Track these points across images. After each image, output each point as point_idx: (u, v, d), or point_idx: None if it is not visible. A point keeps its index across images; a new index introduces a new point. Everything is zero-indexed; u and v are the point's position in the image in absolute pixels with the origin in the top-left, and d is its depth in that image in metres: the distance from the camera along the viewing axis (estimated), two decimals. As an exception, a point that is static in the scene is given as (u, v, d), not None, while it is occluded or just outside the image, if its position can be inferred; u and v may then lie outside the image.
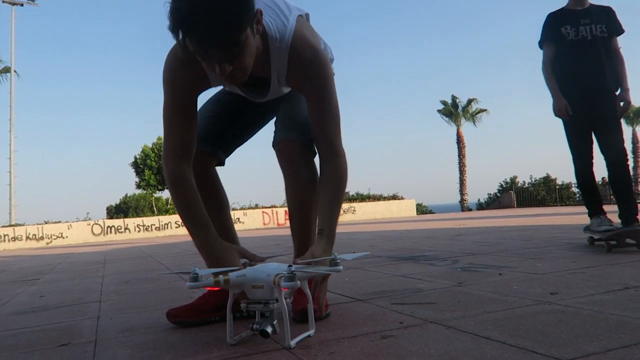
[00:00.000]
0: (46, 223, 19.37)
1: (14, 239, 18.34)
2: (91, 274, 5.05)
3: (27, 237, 18.52)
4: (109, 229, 19.64)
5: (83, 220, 19.74)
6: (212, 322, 2.12)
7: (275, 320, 1.68)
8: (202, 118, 2.21)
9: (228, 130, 2.26)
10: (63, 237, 18.99)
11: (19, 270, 6.49)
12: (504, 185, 29.68)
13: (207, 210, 2.06)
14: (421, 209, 28.37)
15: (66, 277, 4.88)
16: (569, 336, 1.51)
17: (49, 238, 18.76)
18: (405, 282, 2.84)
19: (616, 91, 3.95)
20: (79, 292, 3.61)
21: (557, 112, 3.99)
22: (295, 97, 2.17)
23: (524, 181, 29.27)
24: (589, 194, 4.09)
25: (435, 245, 5.38)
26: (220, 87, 2.20)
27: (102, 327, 2.26)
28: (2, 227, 18.99)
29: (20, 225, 19.23)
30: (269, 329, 1.62)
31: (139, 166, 24.23)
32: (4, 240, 18.21)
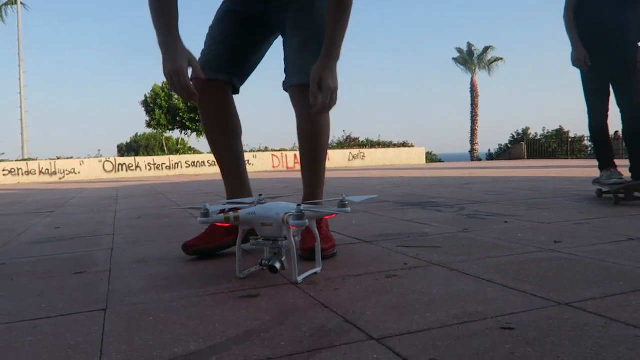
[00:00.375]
0: (58, 158, 19.63)
1: (28, 172, 18.67)
2: (104, 208, 5.17)
3: (40, 172, 18.84)
4: (120, 166, 19.88)
5: (95, 157, 19.95)
6: (226, 247, 2.20)
7: (284, 257, 1.73)
8: (212, 44, 2.18)
9: (239, 56, 2.23)
10: (75, 173, 19.28)
11: (34, 202, 6.65)
12: (516, 137, 29.35)
13: (222, 138, 2.19)
14: (430, 158, 28.27)
15: (80, 211, 5.00)
16: (569, 282, 1.55)
17: (61, 173, 19.07)
18: (411, 227, 2.88)
19: (638, 42, 3.81)
20: (93, 225, 3.71)
21: (576, 61, 3.88)
22: (299, 37, 2.12)
23: (536, 133, 28.91)
24: (602, 146, 4.05)
25: (442, 192, 5.41)
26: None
27: (116, 258, 2.34)
28: (16, 161, 19.30)
29: (33, 159, 19.50)
30: (278, 265, 1.67)
31: (149, 105, 24.14)
32: (18, 174, 18.55)
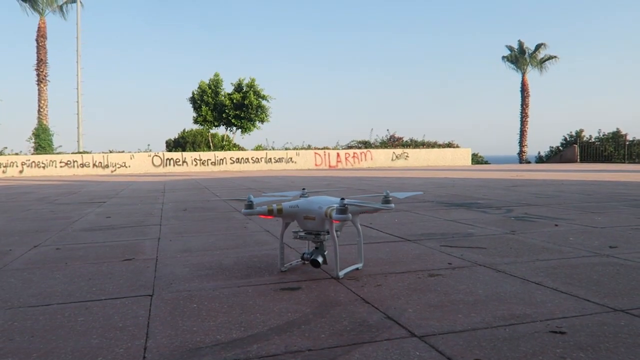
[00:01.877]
0: (111, 152, 20.46)
1: (82, 165, 19.57)
2: (152, 200, 5.33)
3: (94, 165, 19.71)
4: (168, 161, 20.51)
5: (144, 152, 20.65)
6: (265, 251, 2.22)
7: (326, 251, 1.72)
8: None
9: None
10: (126, 167, 20.05)
11: (87, 193, 6.95)
12: (568, 139, 28.17)
13: None
14: (476, 159, 27.59)
15: (129, 202, 5.19)
16: (625, 288, 1.46)
17: (113, 166, 19.88)
18: (455, 227, 2.82)
19: None
20: (141, 215, 3.84)
21: None
22: None
23: (590, 135, 27.63)
24: None
25: (488, 194, 5.26)
26: None
27: (162, 247, 2.41)
28: (72, 153, 20.26)
29: (87, 153, 20.41)
30: (320, 259, 1.67)
31: (196, 102, 24.74)
32: (73, 166, 19.48)
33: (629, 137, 24.61)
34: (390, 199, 1.82)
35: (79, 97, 26.13)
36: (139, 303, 1.44)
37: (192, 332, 1.19)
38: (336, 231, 1.70)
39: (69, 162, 19.69)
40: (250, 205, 1.73)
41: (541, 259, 1.90)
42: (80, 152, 21.06)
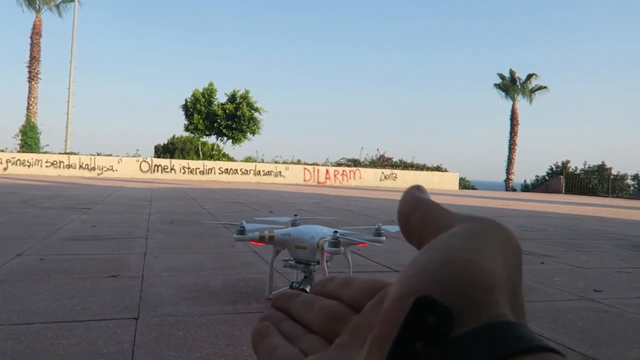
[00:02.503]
0: (98, 155, 20.26)
1: (68, 166, 19.33)
2: (138, 209, 5.28)
3: (80, 166, 19.48)
4: (156, 167, 20.35)
5: (132, 156, 20.49)
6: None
7: (315, 281, 1.72)
8: None
9: None
10: (113, 170, 19.85)
11: (73, 197, 6.87)
12: (554, 169, 28.60)
13: None
14: (464, 184, 27.84)
15: (115, 210, 5.13)
16: (609, 338, 1.48)
17: (100, 169, 19.67)
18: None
19: None
20: (127, 226, 3.79)
21: None
22: None
23: (576, 167, 28.09)
24: None
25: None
26: None
27: (149, 263, 2.38)
28: (59, 153, 20.03)
29: (74, 154, 20.19)
30: (308, 289, 1.66)
31: (188, 109, 24.70)
32: (59, 167, 19.24)
33: (614, 171, 25.05)
34: (382, 232, 1.83)
35: (70, 97, 25.94)
36: (124, 327, 1.42)
37: (177, 363, 1.17)
38: (327, 262, 1.70)
39: (55, 162, 19.45)
40: (242, 231, 1.73)
41: (527, 300, 1.91)
42: (67, 153, 20.82)
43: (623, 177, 24.43)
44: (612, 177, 24.51)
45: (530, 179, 30.23)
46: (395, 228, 1.92)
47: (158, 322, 1.48)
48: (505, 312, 0.16)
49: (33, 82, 23.85)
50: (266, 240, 1.73)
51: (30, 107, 23.69)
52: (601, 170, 26.33)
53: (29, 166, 18.93)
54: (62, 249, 2.69)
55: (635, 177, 24.19)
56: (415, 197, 0.22)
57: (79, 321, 1.46)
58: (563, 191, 25.42)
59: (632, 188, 23.72)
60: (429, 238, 0.20)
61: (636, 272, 2.66)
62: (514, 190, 30.69)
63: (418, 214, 0.21)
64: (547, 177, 28.61)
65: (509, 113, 34.67)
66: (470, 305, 0.16)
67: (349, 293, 0.25)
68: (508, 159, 34.60)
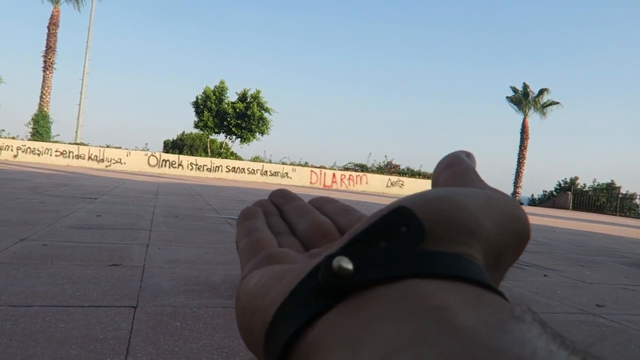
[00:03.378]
0: (107, 147, 20.39)
1: (78, 156, 19.47)
2: (144, 202, 5.30)
3: (89, 157, 19.61)
4: (164, 162, 20.45)
5: (141, 150, 20.61)
6: None
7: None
8: None
9: None
10: (121, 163, 19.97)
11: (80, 187, 6.91)
12: (563, 185, 28.43)
13: None
14: (470, 194, 27.66)
15: (121, 201, 5.15)
16: (611, 353, 1.46)
17: (108, 161, 19.79)
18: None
19: None
20: (132, 217, 3.81)
21: None
22: None
23: (584, 184, 27.91)
24: None
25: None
26: None
27: (151, 254, 2.38)
28: (69, 144, 20.18)
29: (84, 145, 20.33)
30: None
31: (199, 106, 24.82)
32: (69, 157, 19.38)
33: (622, 190, 24.86)
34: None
35: (83, 88, 26.16)
36: (122, 314, 1.42)
37: (173, 352, 1.17)
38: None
39: (64, 152, 19.59)
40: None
41: (528, 311, 1.89)
42: (77, 144, 20.98)
43: (632, 197, 24.22)
44: (620, 195, 24.32)
45: (537, 193, 30.09)
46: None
47: (156, 312, 1.48)
48: (478, 259, 0.16)
49: (48, 72, 24.07)
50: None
51: (44, 97, 23.90)
52: (610, 188, 26.14)
53: (38, 155, 19.08)
54: (65, 236, 2.70)
55: (644, 197, 23.97)
56: (455, 157, 0.22)
57: (78, 306, 1.46)
58: (570, 207, 25.25)
59: (640, 208, 23.49)
60: None
61: (641, 290, 2.63)
62: (521, 204, 30.41)
63: (451, 171, 0.21)
64: (554, 193, 28.45)
65: (520, 127, 34.54)
66: (446, 236, 0.16)
67: (346, 219, 0.25)
68: (516, 172, 34.44)
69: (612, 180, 26.86)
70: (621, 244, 5.64)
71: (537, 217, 11.03)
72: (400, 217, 0.16)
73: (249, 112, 24.05)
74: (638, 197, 23.75)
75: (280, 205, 0.28)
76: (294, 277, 0.17)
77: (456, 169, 0.21)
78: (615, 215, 22.05)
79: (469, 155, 0.23)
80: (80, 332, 1.25)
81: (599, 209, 24.03)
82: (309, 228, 0.24)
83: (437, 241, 0.16)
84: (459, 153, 0.23)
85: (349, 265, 0.15)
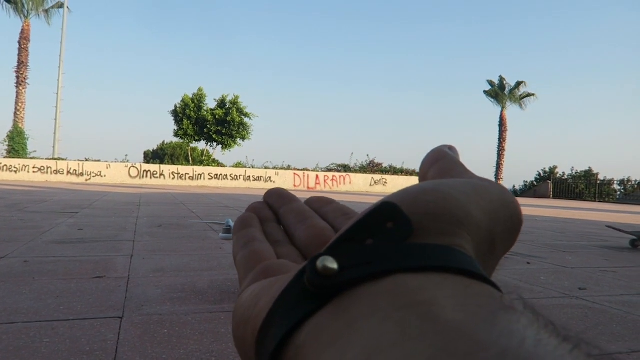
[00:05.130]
0: (86, 160, 20.10)
1: (56, 172, 19.14)
2: (126, 213, 5.24)
3: (68, 172, 19.29)
4: (145, 173, 20.23)
5: (121, 162, 20.36)
6: None
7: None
8: None
9: None
10: (101, 176, 19.70)
11: (60, 201, 6.80)
12: (542, 175, 28.92)
13: None
14: (453, 189, 27.94)
15: (103, 214, 5.09)
16: (593, 333, 1.49)
17: (88, 175, 19.50)
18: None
19: None
20: (115, 229, 3.76)
21: None
22: None
23: (563, 172, 28.43)
24: None
25: (464, 226, 5.33)
26: None
27: (135, 265, 2.36)
28: (47, 159, 19.83)
29: (62, 159, 20.00)
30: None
31: (178, 115, 24.63)
32: (47, 172, 19.04)
33: (600, 177, 25.36)
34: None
35: (58, 103, 25.74)
36: (108, 325, 1.41)
37: (161, 359, 1.17)
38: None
39: (42, 168, 19.25)
40: (228, 230, 1.72)
41: (513, 298, 1.93)
42: (55, 159, 20.64)
43: (610, 183, 24.74)
44: (598, 182, 24.81)
45: (518, 184, 30.51)
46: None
47: (143, 321, 1.47)
48: (467, 249, 0.16)
49: (21, 87, 23.64)
50: (253, 239, 1.73)
51: (18, 113, 23.46)
52: (588, 175, 26.66)
53: (15, 172, 18.72)
54: (47, 251, 2.66)
55: (621, 183, 24.50)
56: (440, 152, 0.22)
57: (62, 320, 1.45)
58: (551, 196, 25.67)
59: (618, 193, 24.02)
60: None
61: (621, 271, 2.69)
62: (503, 195, 30.78)
63: (438, 166, 0.21)
64: (535, 183, 28.90)
65: (498, 119, 35.00)
66: (434, 228, 0.16)
67: (344, 224, 0.23)
68: (497, 164, 34.88)
69: (589, 168, 27.38)
70: (600, 229, 5.76)
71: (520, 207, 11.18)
72: (385, 213, 0.16)
73: (228, 118, 23.95)
74: (615, 182, 24.26)
75: (276, 209, 0.27)
76: (283, 284, 0.16)
77: (442, 163, 0.21)
78: (595, 201, 22.48)
79: (452, 148, 0.23)
80: (65, 345, 1.24)
81: (579, 196, 24.49)
82: (308, 236, 0.24)
83: (425, 234, 0.16)
84: (442, 147, 0.23)
85: (333, 264, 0.15)
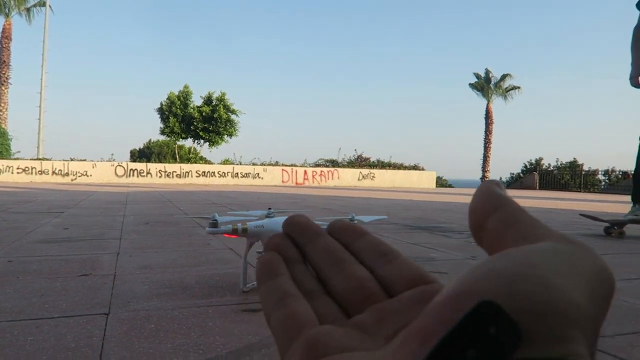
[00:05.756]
0: (72, 160, 19.85)
1: (41, 172, 18.88)
2: (113, 212, 5.19)
3: (53, 172, 19.04)
4: (131, 171, 20.04)
5: (107, 161, 20.14)
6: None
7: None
8: None
9: None
10: (87, 175, 19.47)
11: (45, 202, 6.71)
12: (528, 166, 29.22)
13: None
14: (441, 182, 28.18)
15: (89, 213, 5.03)
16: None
17: (73, 175, 19.26)
18: (418, 250, 2.86)
19: None
20: (101, 228, 3.73)
21: (632, 80, 3.80)
22: None
23: (549, 164, 28.75)
24: None
25: (452, 218, 5.37)
26: None
27: (122, 262, 2.34)
28: (31, 159, 19.54)
29: (47, 159, 19.73)
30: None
31: (164, 112, 24.41)
32: (31, 173, 18.77)
33: (585, 167, 25.67)
34: (356, 222, 1.83)
35: (42, 102, 25.38)
36: (94, 322, 1.40)
37: (147, 354, 1.16)
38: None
39: (26, 169, 18.98)
40: (214, 224, 1.71)
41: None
42: (40, 159, 20.36)
43: (594, 173, 25.07)
44: (583, 172, 25.11)
45: (505, 176, 30.78)
46: (368, 218, 1.93)
47: (129, 317, 1.45)
48: (584, 355, 0.13)
49: (3, 87, 23.27)
50: (239, 233, 1.72)
51: (1, 113, 23.11)
52: (573, 166, 26.98)
53: (-1, 173, 18.43)
54: (31, 251, 2.62)
55: (605, 173, 24.82)
56: (496, 195, 0.19)
57: (47, 318, 1.43)
58: (537, 187, 25.94)
59: (603, 183, 24.34)
60: (507, 244, 0.17)
61: (605, 257, 2.72)
62: (490, 187, 31.07)
63: (499, 215, 0.18)
64: (521, 174, 29.18)
65: (484, 112, 35.24)
66: (545, 332, 0.13)
67: (387, 269, 0.22)
68: (484, 157, 35.15)
69: (574, 159, 27.72)
70: (585, 219, 5.83)
71: (506, 199, 11.29)
72: (484, 313, 0.13)
73: (215, 115, 23.81)
74: (600, 172, 24.59)
75: (301, 245, 0.24)
76: None
77: (505, 212, 0.18)
78: (580, 191, 22.77)
79: (500, 186, 0.20)
80: (50, 343, 1.22)
81: (564, 187, 24.78)
82: (346, 289, 0.21)
83: (534, 342, 0.13)
84: (492, 187, 0.19)
85: None
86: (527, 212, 0.18)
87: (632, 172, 4.01)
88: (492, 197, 0.19)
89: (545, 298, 0.13)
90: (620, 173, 23.96)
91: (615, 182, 23.63)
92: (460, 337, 0.13)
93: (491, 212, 0.18)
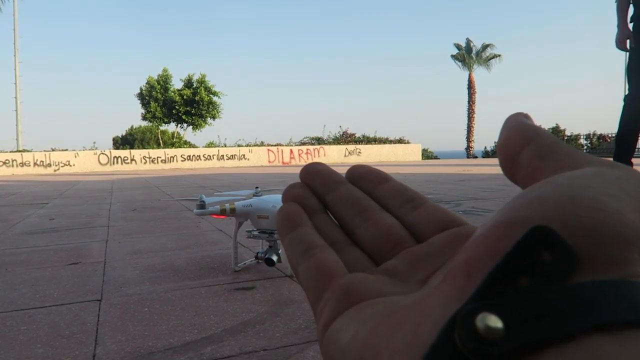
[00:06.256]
0: (53, 150, 19.51)
1: (22, 164, 18.54)
2: (99, 200, 5.14)
3: (35, 164, 18.71)
4: (115, 159, 19.78)
5: (90, 150, 19.83)
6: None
7: (281, 250, 1.73)
8: None
9: None
10: (70, 165, 19.17)
11: (28, 194, 6.62)
12: (512, 134, 29.46)
13: None
14: (427, 154, 28.32)
15: (74, 203, 4.98)
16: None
17: (56, 165, 18.95)
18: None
19: None
20: (88, 216, 3.70)
21: (618, 42, 3.80)
22: None
23: (532, 131, 28.98)
24: (627, 138, 3.83)
25: (438, 188, 5.42)
26: None
27: (111, 249, 2.33)
28: (10, 152, 19.16)
29: (27, 151, 19.36)
30: (274, 257, 1.67)
31: (144, 98, 24.00)
32: (12, 166, 18.42)
33: (567, 133, 25.98)
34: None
35: (17, 93, 24.80)
36: (87, 309, 1.40)
37: (143, 336, 1.17)
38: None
39: (7, 162, 18.63)
40: (202, 205, 1.71)
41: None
42: (20, 151, 20.00)
43: (577, 138, 25.38)
44: (566, 137, 25.43)
45: (490, 145, 31.02)
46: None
47: (122, 302, 1.46)
48: None
49: (-25, 79, 22.64)
50: (227, 213, 1.72)
51: (-25, 106, 22.51)
52: (556, 131, 27.27)
53: (-21, 167, 18.07)
54: (18, 242, 2.60)
55: (587, 137, 25.14)
56: (527, 126, 0.17)
57: (39, 307, 1.42)
58: (521, 155, 26.13)
59: (585, 147, 24.66)
60: (546, 175, 0.15)
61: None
62: (475, 157, 31.46)
63: (534, 147, 0.17)
64: (505, 143, 29.38)
65: (467, 82, 35.27)
66: (602, 256, 0.12)
67: (414, 215, 0.21)
68: (468, 127, 35.32)
69: (556, 124, 28.01)
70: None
71: (491, 168, 11.42)
72: (537, 240, 0.12)
73: (197, 98, 23.50)
74: (582, 137, 24.90)
75: (321, 194, 0.22)
76: (412, 334, 0.13)
77: (539, 143, 0.17)
78: (563, 157, 23.04)
79: (528, 117, 0.18)
80: (44, 331, 1.22)
81: (548, 153, 25.04)
82: (374, 237, 0.20)
83: (591, 267, 0.12)
84: (522, 119, 0.18)
85: (498, 324, 0.11)
86: (562, 141, 0.17)
87: (611, 135, 4.03)
88: (524, 129, 0.18)
89: (600, 220, 0.12)
90: (599, 136, 24.29)
91: (597, 146, 23.97)
92: (513, 266, 0.12)
93: (524, 144, 0.17)
